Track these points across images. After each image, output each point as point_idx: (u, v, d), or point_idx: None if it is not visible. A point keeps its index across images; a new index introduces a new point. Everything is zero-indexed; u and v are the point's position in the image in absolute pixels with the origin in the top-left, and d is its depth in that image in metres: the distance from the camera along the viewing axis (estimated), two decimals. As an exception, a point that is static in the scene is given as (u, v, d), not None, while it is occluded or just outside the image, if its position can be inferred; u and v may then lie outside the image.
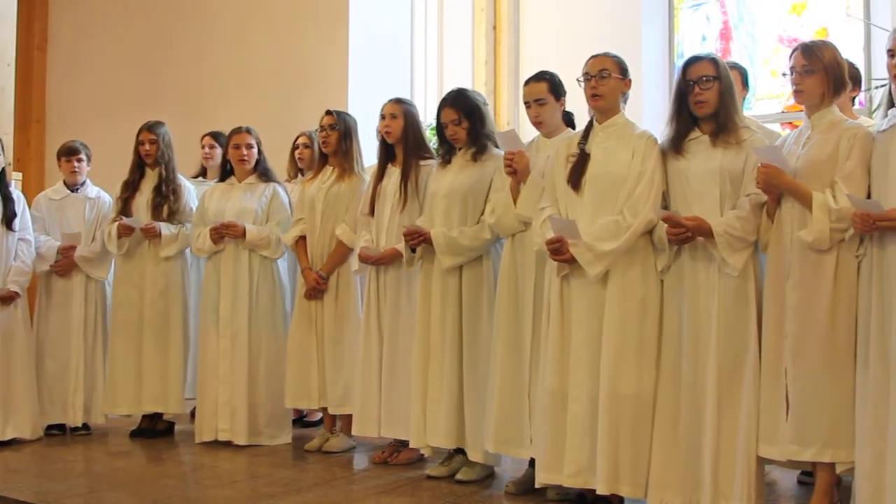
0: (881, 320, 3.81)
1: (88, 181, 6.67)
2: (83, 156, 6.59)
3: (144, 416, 6.43)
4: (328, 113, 5.90)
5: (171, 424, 6.50)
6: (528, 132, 5.08)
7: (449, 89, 5.33)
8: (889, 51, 3.86)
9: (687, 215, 4.14)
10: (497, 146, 5.07)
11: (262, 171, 6.25)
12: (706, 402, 4.14)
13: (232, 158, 6.23)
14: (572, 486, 4.36)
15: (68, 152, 6.58)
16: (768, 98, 8.32)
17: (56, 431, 6.47)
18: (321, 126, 5.91)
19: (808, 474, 4.70)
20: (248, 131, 6.20)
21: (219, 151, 6.82)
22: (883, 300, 3.81)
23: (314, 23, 8.67)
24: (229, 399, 5.99)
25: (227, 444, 5.97)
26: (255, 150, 6.20)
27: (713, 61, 4.29)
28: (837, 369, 3.94)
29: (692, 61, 4.32)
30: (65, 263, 6.43)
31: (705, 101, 4.23)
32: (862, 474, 3.86)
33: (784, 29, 8.39)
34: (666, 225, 4.17)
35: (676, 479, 4.22)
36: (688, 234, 4.12)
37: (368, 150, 6.00)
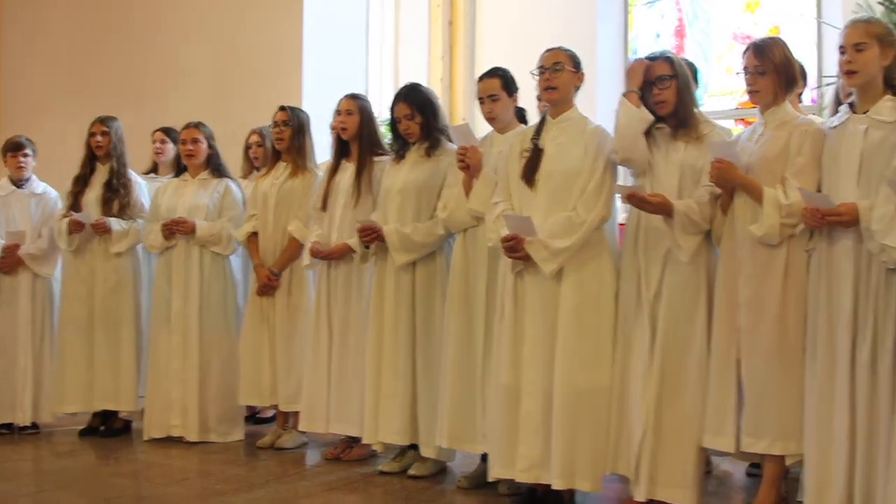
0: (829, 314, 3.85)
1: (34, 177, 6.58)
2: (28, 151, 6.50)
3: (95, 415, 6.35)
4: (281, 109, 5.88)
5: (127, 423, 6.40)
6: (484, 128, 5.08)
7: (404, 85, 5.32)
8: (840, 48, 3.90)
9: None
10: (451, 141, 5.06)
11: (215, 167, 6.20)
12: (652, 390, 4.18)
13: (181, 154, 6.20)
14: (524, 481, 4.37)
15: (13, 147, 6.50)
16: (721, 95, 8.38)
17: (4, 430, 6.37)
18: (274, 122, 5.88)
19: (756, 466, 4.75)
20: (197, 126, 6.15)
21: (170, 147, 6.76)
22: (831, 294, 3.86)
23: (268, 16, 8.61)
24: (181, 396, 5.93)
25: (179, 442, 5.92)
26: (203, 146, 6.14)
27: (668, 59, 4.32)
28: (788, 363, 3.99)
29: (648, 60, 4.34)
30: (10, 261, 6.34)
31: (664, 100, 4.27)
32: (809, 465, 3.90)
33: (738, 26, 8.45)
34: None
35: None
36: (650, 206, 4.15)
37: (322, 145, 5.96)
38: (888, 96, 3.83)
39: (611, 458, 4.30)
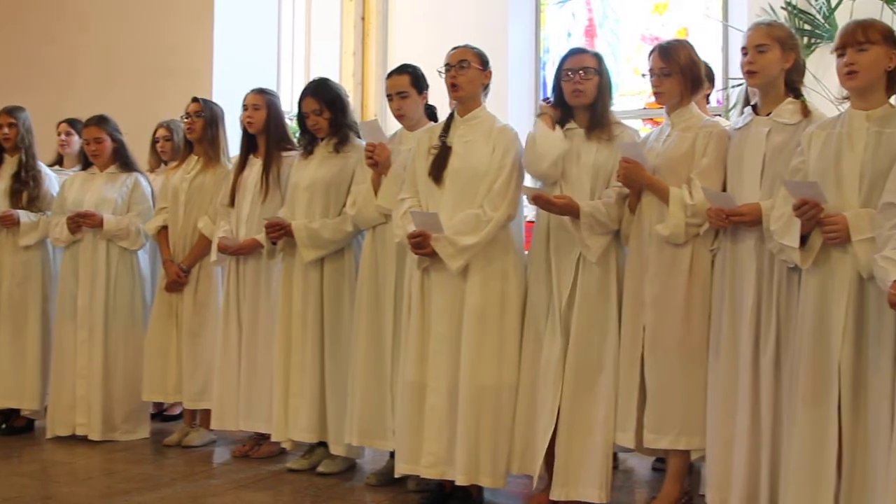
0: (732, 313, 3.93)
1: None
2: None
3: (-1, 412, 6.22)
4: (194, 100, 5.80)
5: (30, 421, 6.24)
6: (396, 124, 5.08)
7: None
8: (743, 49, 3.97)
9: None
10: (360, 137, 5.06)
11: (123, 161, 6.09)
12: (560, 389, 4.21)
13: (87, 152, 6.09)
14: (430, 477, 4.38)
15: None
16: (630, 95, 8.50)
17: None
18: (187, 113, 5.80)
19: (662, 461, 4.82)
20: (98, 124, 6.02)
21: (76, 139, 6.61)
22: (734, 294, 3.93)
23: (179, 10, 8.48)
24: (86, 393, 5.82)
25: (83, 441, 5.79)
26: (106, 143, 6.02)
27: (596, 56, 4.37)
28: (692, 360, 4.05)
29: (574, 52, 4.40)
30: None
31: (584, 90, 4.28)
32: (711, 460, 3.99)
33: (646, 28, 8.58)
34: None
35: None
36: (556, 207, 4.18)
37: (233, 139, 5.91)
38: (789, 99, 3.92)
39: (517, 456, 4.33)
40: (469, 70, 4.45)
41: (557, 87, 4.37)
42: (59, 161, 6.82)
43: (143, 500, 4.58)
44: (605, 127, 4.31)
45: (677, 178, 4.07)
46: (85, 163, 6.20)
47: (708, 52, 7.63)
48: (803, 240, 3.59)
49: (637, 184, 4.13)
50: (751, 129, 3.98)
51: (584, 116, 4.34)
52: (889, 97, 3.64)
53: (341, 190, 5.03)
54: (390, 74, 4.91)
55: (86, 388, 5.82)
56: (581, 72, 4.27)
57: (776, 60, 3.90)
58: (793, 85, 3.96)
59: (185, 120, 5.82)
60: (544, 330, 4.31)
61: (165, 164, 6.47)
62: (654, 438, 4.10)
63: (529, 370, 4.34)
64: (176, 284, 5.75)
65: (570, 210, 4.17)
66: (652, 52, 4.22)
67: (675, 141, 4.16)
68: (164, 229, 5.86)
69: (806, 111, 3.88)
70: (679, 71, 4.13)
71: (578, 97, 4.30)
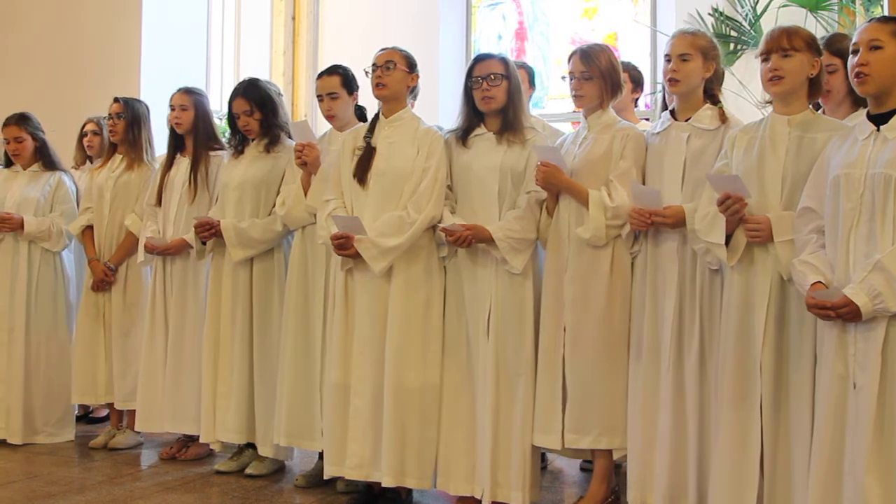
0: (654, 316, 3.99)
1: None
2: None
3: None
4: (116, 100, 5.75)
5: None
6: (326, 125, 5.07)
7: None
8: (666, 56, 4.03)
9: (466, 222, 4.23)
10: (291, 137, 5.04)
11: (46, 160, 6.00)
12: (485, 394, 4.23)
13: (7, 152, 6.00)
14: (355, 479, 4.38)
15: None
16: (560, 98, 8.57)
17: None
18: (109, 114, 5.75)
19: (590, 462, 4.86)
20: (18, 123, 5.94)
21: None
22: (656, 296, 3.99)
23: (106, 6, 8.36)
24: (5, 396, 5.72)
25: (3, 444, 5.70)
26: (28, 142, 5.95)
27: (503, 61, 4.37)
28: (612, 360, 4.09)
29: (481, 58, 4.39)
30: None
31: (493, 97, 4.29)
32: (632, 460, 4.04)
33: (576, 32, 8.66)
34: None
35: (461, 468, 4.31)
36: (467, 241, 4.20)
37: (162, 139, 5.85)
38: (707, 105, 4.00)
39: (442, 457, 4.34)
40: (395, 71, 4.45)
41: (466, 92, 4.39)
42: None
43: (68, 504, 4.53)
44: (518, 131, 4.32)
45: (596, 180, 4.11)
46: (6, 161, 6.10)
47: (636, 56, 7.74)
48: (728, 240, 3.64)
49: (555, 187, 4.15)
50: (670, 133, 4.04)
51: (496, 122, 4.35)
52: (810, 103, 3.72)
53: (271, 190, 5.02)
54: (321, 75, 4.92)
55: (5, 391, 5.73)
56: (490, 77, 4.28)
57: (698, 69, 3.98)
58: (710, 92, 4.03)
59: (108, 121, 5.77)
60: (460, 332, 4.33)
61: (91, 160, 6.39)
62: (575, 438, 4.12)
63: (455, 371, 4.34)
64: (103, 283, 5.69)
65: (482, 237, 4.19)
66: (572, 55, 4.24)
67: (593, 143, 4.19)
68: (88, 229, 5.79)
69: (724, 117, 3.96)
70: (600, 75, 4.16)
71: (489, 104, 4.31)
